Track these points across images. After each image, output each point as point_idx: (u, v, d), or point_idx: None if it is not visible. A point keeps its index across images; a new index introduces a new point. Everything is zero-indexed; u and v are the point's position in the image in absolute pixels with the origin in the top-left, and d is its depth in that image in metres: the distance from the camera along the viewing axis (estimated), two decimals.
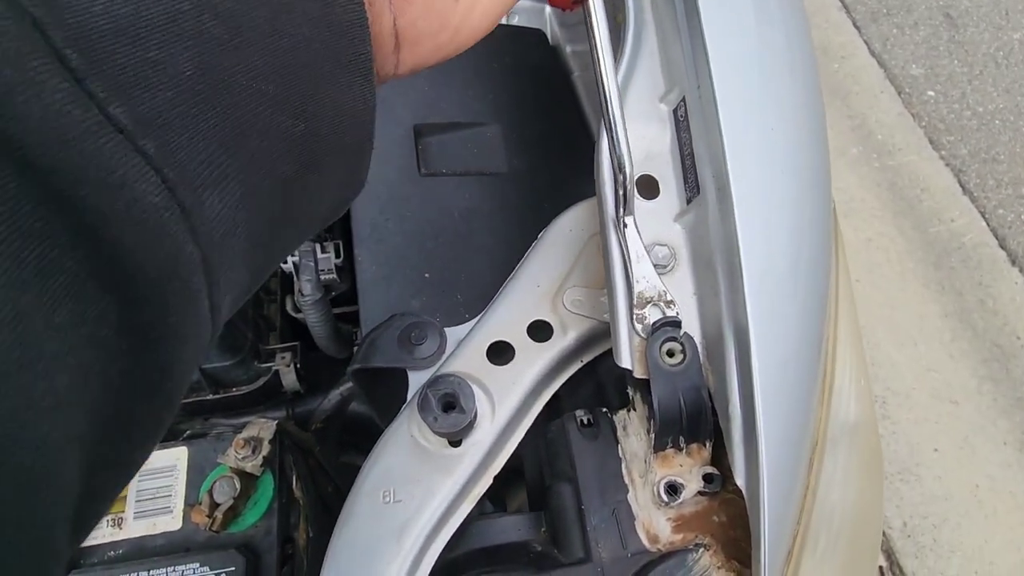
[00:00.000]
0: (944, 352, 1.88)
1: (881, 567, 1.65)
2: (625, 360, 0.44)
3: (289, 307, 0.81)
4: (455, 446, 0.46)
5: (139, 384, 0.22)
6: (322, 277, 0.75)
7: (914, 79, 2.28)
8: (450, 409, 0.45)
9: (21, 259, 0.17)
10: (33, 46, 0.17)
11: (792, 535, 0.43)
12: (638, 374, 0.44)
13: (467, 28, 0.30)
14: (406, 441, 0.46)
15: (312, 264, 0.72)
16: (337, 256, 0.75)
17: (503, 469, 0.48)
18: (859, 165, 2.15)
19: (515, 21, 0.86)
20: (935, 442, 1.80)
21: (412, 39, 0.28)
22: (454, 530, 0.44)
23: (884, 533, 1.71)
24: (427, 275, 0.65)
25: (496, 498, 0.59)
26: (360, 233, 0.67)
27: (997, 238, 2.02)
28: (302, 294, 0.73)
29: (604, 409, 0.49)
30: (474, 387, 0.47)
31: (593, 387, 0.55)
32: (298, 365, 0.78)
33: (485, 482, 0.46)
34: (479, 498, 0.46)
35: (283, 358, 0.78)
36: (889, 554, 1.69)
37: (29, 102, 0.17)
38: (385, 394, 0.55)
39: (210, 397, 0.77)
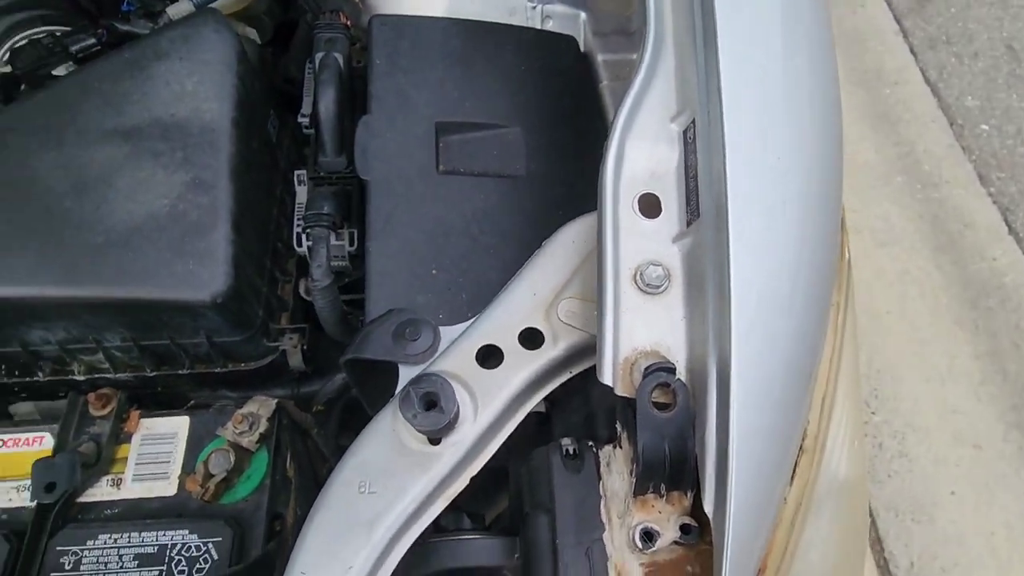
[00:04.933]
0: (972, 394, 1.83)
1: None
2: (607, 376, 0.44)
3: (302, 290, 0.83)
4: (434, 444, 0.47)
5: None
6: (335, 264, 0.76)
7: (968, 111, 2.21)
8: (431, 408, 0.45)
9: None
10: None
11: None
12: (619, 391, 0.44)
13: None
14: (387, 435, 0.47)
15: (324, 251, 0.73)
16: (351, 244, 0.76)
17: (483, 480, 0.48)
18: (902, 195, 2.10)
19: (549, 26, 0.86)
20: (953, 484, 1.75)
21: None
22: (425, 527, 0.45)
23: (889, 571, 1.67)
24: (435, 272, 0.66)
25: (476, 514, 0.59)
26: (374, 225, 0.68)
27: None
28: (312, 279, 0.74)
29: (590, 443, 0.49)
30: (459, 388, 0.48)
31: (584, 414, 0.54)
32: (305, 347, 0.80)
33: (461, 483, 0.47)
34: (453, 498, 0.46)
35: (291, 339, 0.80)
36: None
37: None
38: (376, 386, 0.56)
39: (218, 370, 0.79)
